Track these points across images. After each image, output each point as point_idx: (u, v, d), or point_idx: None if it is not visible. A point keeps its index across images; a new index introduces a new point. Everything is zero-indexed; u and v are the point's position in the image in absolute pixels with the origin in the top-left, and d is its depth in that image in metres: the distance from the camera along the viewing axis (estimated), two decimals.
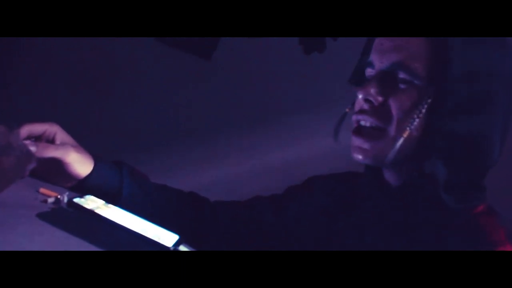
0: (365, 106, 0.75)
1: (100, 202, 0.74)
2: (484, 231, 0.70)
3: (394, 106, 0.72)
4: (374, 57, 0.76)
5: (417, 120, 0.71)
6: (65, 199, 0.72)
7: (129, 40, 1.91)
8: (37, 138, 0.80)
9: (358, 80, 0.80)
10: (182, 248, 0.69)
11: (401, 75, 0.72)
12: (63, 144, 0.81)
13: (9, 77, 2.08)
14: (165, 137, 2.02)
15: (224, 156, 2.05)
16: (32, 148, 0.73)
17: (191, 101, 2.09)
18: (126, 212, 0.73)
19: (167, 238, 0.68)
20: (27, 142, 0.74)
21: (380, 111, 0.73)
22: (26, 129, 0.79)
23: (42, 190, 0.74)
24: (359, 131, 0.75)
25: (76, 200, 0.71)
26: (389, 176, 0.78)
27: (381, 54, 0.75)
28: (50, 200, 0.72)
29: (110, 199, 0.77)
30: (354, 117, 0.77)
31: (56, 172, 0.80)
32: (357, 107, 0.77)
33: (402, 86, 0.72)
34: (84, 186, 0.81)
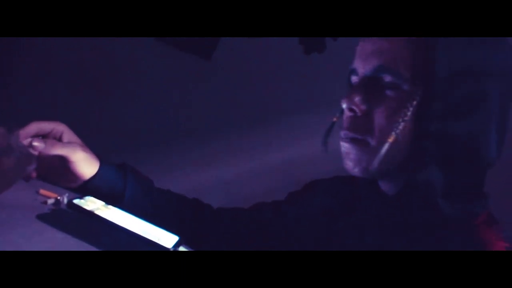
0: (349, 116, 0.73)
1: (100, 203, 0.74)
2: (484, 245, 0.68)
3: (378, 115, 0.70)
4: (357, 64, 0.74)
5: (402, 123, 0.69)
6: (65, 200, 0.72)
7: (129, 40, 1.91)
8: (44, 137, 0.80)
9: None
10: (182, 249, 0.69)
11: (387, 78, 0.70)
12: (70, 142, 0.80)
13: (9, 77, 2.08)
14: (165, 137, 2.02)
15: (224, 156, 2.05)
16: (40, 145, 0.73)
17: (191, 101, 2.09)
18: (126, 213, 0.73)
19: (166, 239, 0.68)
20: (35, 138, 0.74)
21: (362, 123, 0.71)
22: (34, 127, 0.78)
23: (42, 191, 0.74)
24: (346, 142, 0.73)
25: (76, 201, 0.71)
26: (385, 187, 0.77)
27: (364, 59, 0.73)
28: (50, 201, 0.72)
29: (111, 201, 0.77)
30: (341, 132, 0.75)
31: (61, 171, 0.80)
32: (345, 116, 0.75)
33: (388, 92, 0.70)
34: (88, 187, 0.81)
